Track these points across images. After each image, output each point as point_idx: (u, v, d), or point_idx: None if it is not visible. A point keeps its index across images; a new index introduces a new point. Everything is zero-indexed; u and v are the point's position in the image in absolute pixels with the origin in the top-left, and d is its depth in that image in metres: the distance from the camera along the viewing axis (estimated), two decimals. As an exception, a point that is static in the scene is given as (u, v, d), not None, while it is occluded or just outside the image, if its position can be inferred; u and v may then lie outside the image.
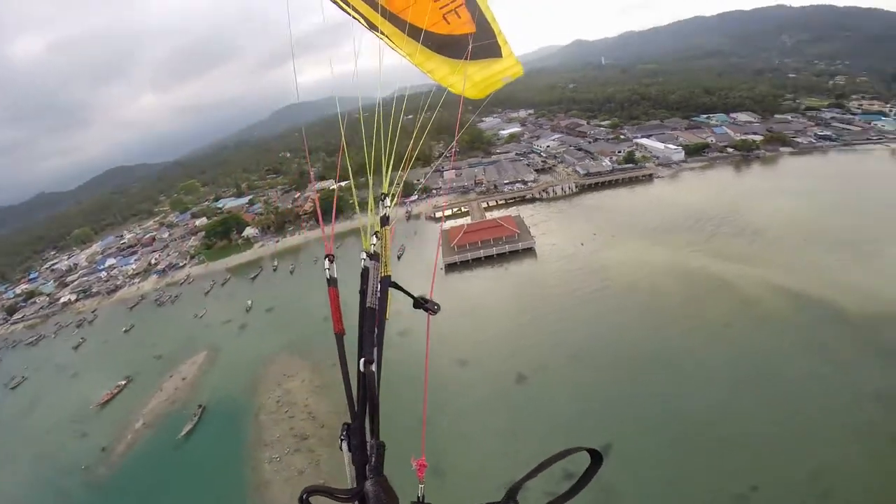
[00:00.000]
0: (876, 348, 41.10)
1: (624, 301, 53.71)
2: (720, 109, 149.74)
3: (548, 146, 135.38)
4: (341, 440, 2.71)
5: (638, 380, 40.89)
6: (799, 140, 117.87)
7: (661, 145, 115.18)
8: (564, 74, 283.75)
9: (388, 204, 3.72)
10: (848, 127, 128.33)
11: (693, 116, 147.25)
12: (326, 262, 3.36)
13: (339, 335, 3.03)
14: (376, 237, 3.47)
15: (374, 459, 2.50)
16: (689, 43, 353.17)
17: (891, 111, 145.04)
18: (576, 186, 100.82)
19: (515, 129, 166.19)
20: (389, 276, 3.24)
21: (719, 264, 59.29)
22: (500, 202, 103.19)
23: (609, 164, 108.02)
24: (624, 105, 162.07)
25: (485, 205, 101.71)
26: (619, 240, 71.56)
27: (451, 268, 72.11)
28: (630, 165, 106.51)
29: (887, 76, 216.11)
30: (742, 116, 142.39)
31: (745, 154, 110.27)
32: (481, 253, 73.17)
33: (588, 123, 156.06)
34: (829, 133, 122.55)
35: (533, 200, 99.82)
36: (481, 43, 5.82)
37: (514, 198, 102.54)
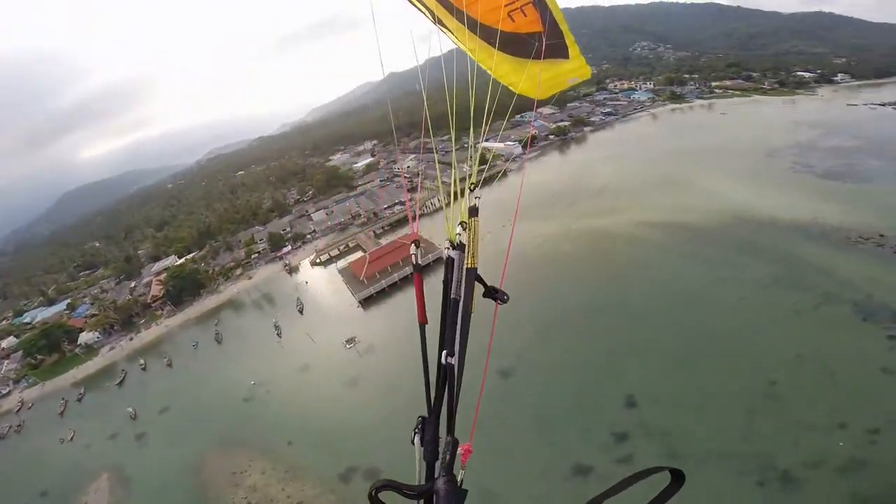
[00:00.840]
0: (734, 245, 55.44)
1: (549, 269, 58.48)
2: (527, 108, 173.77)
3: (408, 167, 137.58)
4: (415, 434, 2.65)
5: (598, 327, 45.18)
6: (593, 119, 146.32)
7: (500, 144, 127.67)
8: (382, 106, 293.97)
9: (478, 194, 3.71)
10: (620, 103, 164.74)
11: (512, 118, 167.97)
12: (413, 247, 3.46)
13: (422, 325, 3.02)
14: (462, 227, 3.38)
15: (447, 457, 2.40)
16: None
17: (637, 87, 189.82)
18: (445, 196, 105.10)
19: (368, 159, 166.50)
20: (476, 269, 3.08)
21: (596, 220, 70.90)
22: (386, 227, 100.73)
23: (467, 168, 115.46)
24: (455, 118, 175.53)
25: (372, 233, 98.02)
26: (509, 226, 76.48)
27: (367, 302, 66.96)
28: (484, 167, 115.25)
29: (620, 59, 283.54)
30: (546, 110, 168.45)
31: (563, 137, 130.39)
32: (395, 277, 69.35)
33: (429, 141, 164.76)
34: (609, 110, 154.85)
35: (415, 217, 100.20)
36: (549, 42, 5.71)
37: (400, 220, 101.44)
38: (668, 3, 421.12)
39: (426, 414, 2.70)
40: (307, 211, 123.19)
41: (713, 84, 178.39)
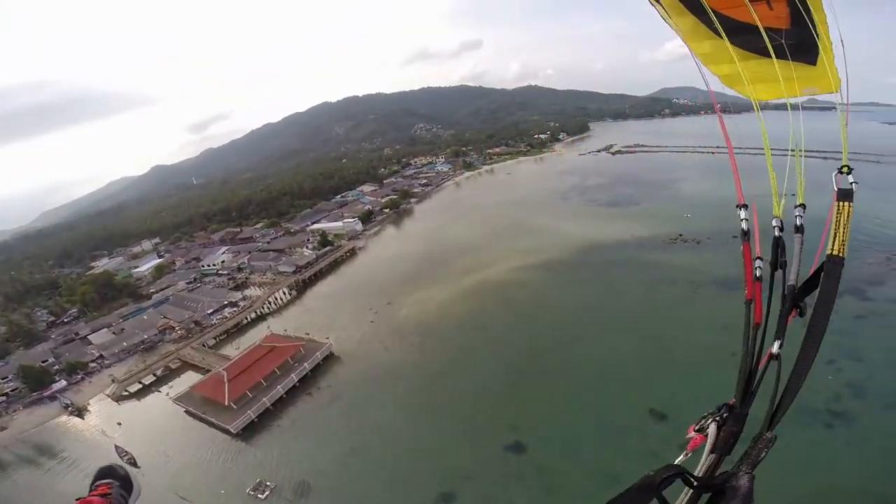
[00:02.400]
0: (598, 265, 70.76)
1: (467, 329, 59.54)
2: (345, 188, 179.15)
3: (223, 262, 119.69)
4: (713, 418, 2.39)
5: (548, 362, 48.09)
6: (415, 190, 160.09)
7: (338, 223, 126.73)
8: (157, 201, 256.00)
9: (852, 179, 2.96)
10: (429, 175, 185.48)
11: (330, 198, 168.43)
12: (742, 212, 3.17)
13: (749, 302, 2.66)
14: (802, 209, 3.06)
15: (764, 453, 2.07)
16: (268, 147, 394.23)
17: (434, 161, 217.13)
18: (293, 285, 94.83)
19: (155, 260, 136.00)
20: (843, 259, 2.52)
21: (479, 274, 76.44)
22: (221, 336, 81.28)
23: (310, 251, 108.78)
24: (266, 204, 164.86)
25: (203, 346, 77.66)
26: (396, 300, 74.90)
27: (249, 431, 50.56)
28: (330, 247, 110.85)
29: (408, 140, 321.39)
30: (366, 187, 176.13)
31: (396, 210, 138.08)
32: (280, 389, 55.73)
33: (241, 230, 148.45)
34: (425, 181, 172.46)
35: (262, 318, 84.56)
36: (791, 42, 4.65)
37: (237, 324, 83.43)
38: (433, 88, 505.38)
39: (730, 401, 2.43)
40: (78, 333, 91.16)
41: (488, 152, 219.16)
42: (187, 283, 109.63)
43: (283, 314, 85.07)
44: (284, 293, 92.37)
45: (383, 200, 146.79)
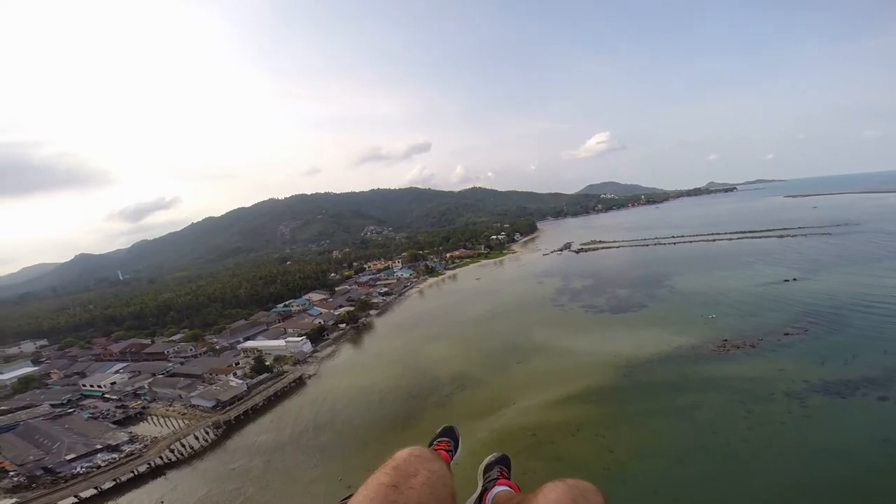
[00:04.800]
0: (653, 389, 53.11)
1: None
2: (289, 295, 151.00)
3: (113, 382, 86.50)
4: None
5: None
6: (375, 301, 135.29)
7: (280, 342, 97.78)
8: (76, 295, 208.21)
9: None
10: (389, 282, 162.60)
11: (270, 308, 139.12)
12: None
13: None
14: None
15: None
16: (207, 244, 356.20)
17: (395, 265, 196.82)
18: (213, 428, 63.98)
19: (25, 369, 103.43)
20: None
21: (509, 418, 52.38)
22: (84, 498, 49.20)
23: (239, 381, 78.27)
24: (190, 311, 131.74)
25: None
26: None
27: None
28: (266, 375, 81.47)
29: (358, 242, 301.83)
30: (314, 295, 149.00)
31: (354, 325, 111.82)
32: None
33: (153, 342, 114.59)
34: (386, 290, 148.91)
35: (157, 473, 53.86)
36: None
37: (115, 480, 51.71)
38: (383, 190, 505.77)
39: None
40: None
41: (447, 256, 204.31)
42: (53, 406, 76.52)
43: (192, 469, 54.35)
44: (198, 438, 61.30)
45: (337, 312, 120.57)
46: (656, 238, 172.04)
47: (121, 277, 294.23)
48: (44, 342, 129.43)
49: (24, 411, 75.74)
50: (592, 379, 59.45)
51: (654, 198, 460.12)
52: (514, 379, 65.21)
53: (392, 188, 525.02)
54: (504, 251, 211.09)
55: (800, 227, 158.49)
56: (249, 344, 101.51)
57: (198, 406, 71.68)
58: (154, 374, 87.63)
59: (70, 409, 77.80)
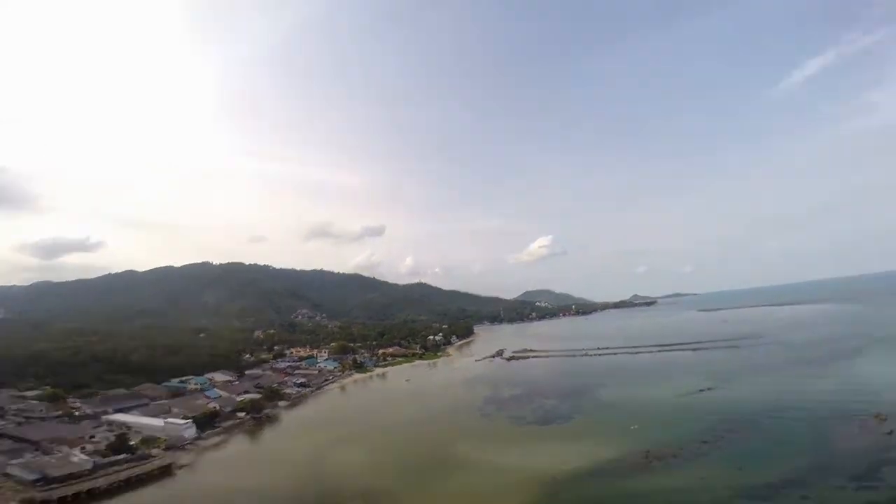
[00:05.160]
0: None
1: None
2: (191, 370, 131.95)
3: None
4: None
5: None
6: (287, 391, 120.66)
7: (158, 421, 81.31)
8: None
9: None
10: (310, 372, 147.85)
11: (163, 381, 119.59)
12: None
13: None
14: None
15: None
16: (119, 299, 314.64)
17: (316, 355, 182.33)
18: None
19: None
20: None
21: None
22: None
23: (84, 457, 61.73)
24: (59, 370, 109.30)
25: None
26: None
27: None
28: (125, 456, 65.27)
29: (286, 325, 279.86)
30: (219, 376, 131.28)
31: (256, 416, 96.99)
32: None
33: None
34: (303, 381, 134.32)
35: None
36: None
37: None
38: (326, 272, 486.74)
39: None
40: None
41: (380, 352, 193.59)
42: None
43: None
44: None
45: (239, 399, 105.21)
46: (584, 349, 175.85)
47: (1, 315, 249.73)
48: None
49: None
50: (515, 499, 53.12)
51: (584, 308, 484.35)
52: (432, 497, 56.39)
53: (336, 271, 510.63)
54: (439, 353, 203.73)
55: (711, 341, 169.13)
56: (119, 417, 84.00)
57: (13, 476, 54.98)
58: None
59: None
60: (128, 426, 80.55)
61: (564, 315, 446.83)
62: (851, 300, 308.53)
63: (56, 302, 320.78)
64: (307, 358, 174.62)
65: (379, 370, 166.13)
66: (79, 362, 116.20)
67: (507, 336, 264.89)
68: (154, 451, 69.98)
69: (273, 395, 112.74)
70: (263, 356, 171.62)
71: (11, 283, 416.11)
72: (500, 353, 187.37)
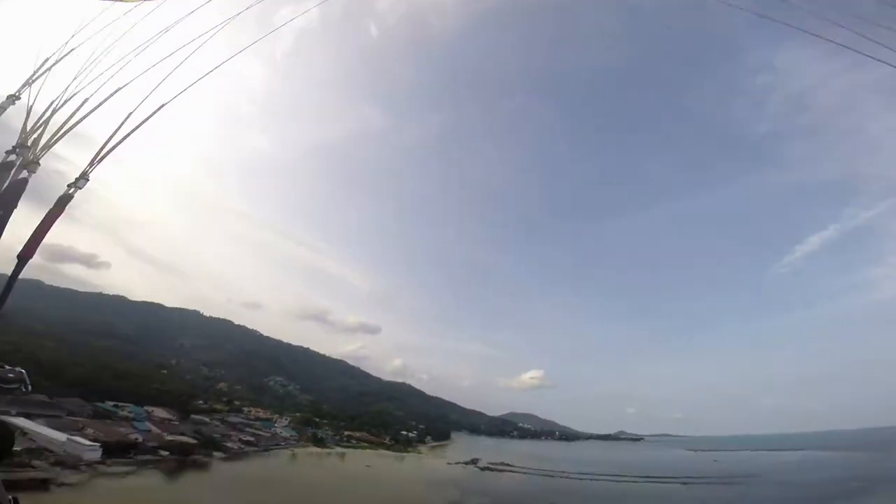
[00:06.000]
0: None
1: None
2: (130, 399, 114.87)
3: None
4: None
5: None
6: (229, 444, 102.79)
7: (61, 436, 65.99)
8: None
9: None
10: (261, 433, 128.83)
11: (97, 401, 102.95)
12: None
13: None
14: None
15: None
16: (102, 319, 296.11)
17: (278, 420, 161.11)
18: None
19: None
20: None
21: None
22: None
23: None
24: None
25: None
26: None
27: None
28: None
29: (255, 386, 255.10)
30: (160, 412, 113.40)
31: (181, 458, 80.00)
32: None
33: None
34: (250, 438, 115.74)
35: None
36: None
37: None
38: (311, 352, 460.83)
39: None
40: None
41: (346, 433, 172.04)
42: None
43: None
44: None
45: (170, 438, 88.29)
46: (563, 471, 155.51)
47: None
48: None
49: None
50: None
51: (566, 436, 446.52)
52: None
53: (323, 353, 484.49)
54: (409, 449, 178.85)
55: (702, 477, 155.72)
56: (20, 421, 68.43)
57: None
58: None
59: None
60: (24, 432, 65.38)
61: (546, 438, 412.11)
62: (854, 448, 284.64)
63: (39, 302, 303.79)
64: (264, 420, 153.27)
65: (340, 449, 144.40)
66: (16, 361, 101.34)
67: (485, 448, 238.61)
68: (37, 462, 55.08)
69: (210, 443, 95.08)
70: (217, 406, 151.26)
71: (3, 272, 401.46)
72: (474, 461, 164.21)
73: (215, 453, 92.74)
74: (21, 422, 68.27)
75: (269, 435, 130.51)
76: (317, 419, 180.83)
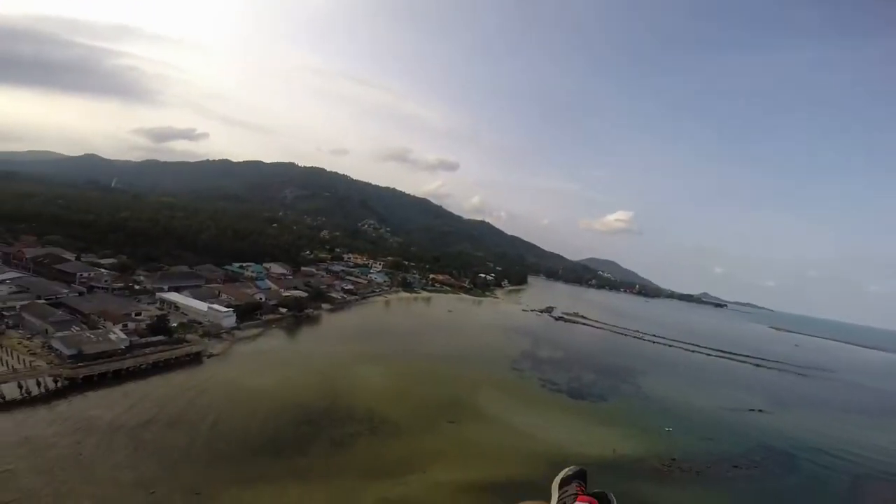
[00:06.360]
0: None
1: None
2: (252, 257, 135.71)
3: None
4: None
5: None
6: (334, 295, 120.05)
7: (202, 305, 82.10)
8: (58, 188, 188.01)
9: None
10: (359, 280, 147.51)
11: (226, 264, 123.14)
12: None
13: None
14: None
15: None
16: (212, 183, 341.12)
17: (370, 265, 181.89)
18: (57, 381, 48.64)
19: None
20: None
21: (385, 486, 39.14)
22: None
23: (122, 335, 62.07)
24: (138, 239, 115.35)
25: None
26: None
27: None
28: (161, 338, 65.48)
29: (351, 231, 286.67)
30: (276, 268, 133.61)
31: (297, 314, 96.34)
32: None
33: (79, 259, 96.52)
34: (350, 287, 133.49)
35: None
36: None
37: None
38: (397, 192, 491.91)
39: None
40: None
41: (430, 277, 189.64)
42: None
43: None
44: (21, 387, 46.08)
45: (286, 294, 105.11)
46: (637, 331, 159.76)
47: (113, 185, 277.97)
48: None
49: None
50: (519, 469, 47.11)
51: (647, 291, 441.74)
52: (437, 440, 52.13)
53: (406, 192, 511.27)
54: (487, 293, 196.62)
55: (778, 362, 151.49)
56: (171, 296, 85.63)
57: (56, 350, 55.65)
58: (39, 297, 71.04)
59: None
60: (176, 306, 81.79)
61: (626, 291, 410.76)
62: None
63: (160, 178, 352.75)
64: (361, 266, 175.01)
65: (425, 294, 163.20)
66: (154, 235, 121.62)
67: (560, 295, 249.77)
68: (189, 337, 69.74)
69: (319, 296, 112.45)
70: (322, 255, 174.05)
71: (126, 159, 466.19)
72: (549, 310, 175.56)
73: (323, 305, 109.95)
74: (172, 296, 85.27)
75: (365, 282, 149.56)
76: (405, 262, 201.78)
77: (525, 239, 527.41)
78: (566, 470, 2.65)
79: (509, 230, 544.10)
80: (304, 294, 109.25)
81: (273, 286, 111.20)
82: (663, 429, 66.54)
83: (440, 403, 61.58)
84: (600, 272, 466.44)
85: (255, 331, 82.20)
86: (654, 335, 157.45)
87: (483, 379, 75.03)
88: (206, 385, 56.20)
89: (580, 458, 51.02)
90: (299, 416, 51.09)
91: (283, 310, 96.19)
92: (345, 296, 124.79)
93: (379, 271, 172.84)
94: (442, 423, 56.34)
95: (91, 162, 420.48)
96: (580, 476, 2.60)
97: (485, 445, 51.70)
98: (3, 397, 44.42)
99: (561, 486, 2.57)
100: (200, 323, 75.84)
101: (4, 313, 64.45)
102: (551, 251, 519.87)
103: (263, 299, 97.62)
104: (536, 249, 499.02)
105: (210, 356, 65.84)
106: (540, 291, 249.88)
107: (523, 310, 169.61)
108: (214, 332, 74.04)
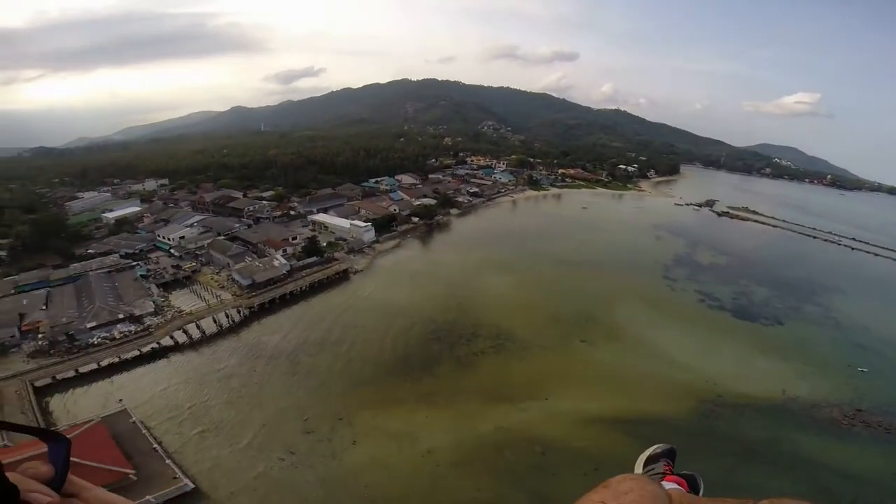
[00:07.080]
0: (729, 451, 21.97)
1: None
2: (384, 172, 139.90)
3: (182, 237, 78.85)
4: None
5: None
6: (460, 199, 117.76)
7: (345, 222, 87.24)
8: (219, 140, 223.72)
9: None
10: (484, 182, 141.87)
11: (363, 181, 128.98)
12: None
13: None
14: None
15: None
16: (339, 111, 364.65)
17: (493, 165, 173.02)
18: (240, 311, 56.62)
19: (132, 208, 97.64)
20: None
21: (511, 412, 37.23)
22: (82, 373, 43.39)
23: (283, 261, 69.10)
24: (288, 170, 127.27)
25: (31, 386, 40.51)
26: (354, 420, 35.93)
27: None
28: (314, 259, 71.45)
29: (471, 135, 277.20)
30: (406, 178, 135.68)
31: (428, 222, 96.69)
32: None
33: (245, 196, 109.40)
34: (476, 190, 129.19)
35: (159, 355, 46.89)
36: None
37: (118, 357, 45.17)
38: (512, 90, 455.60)
39: None
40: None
41: (560, 171, 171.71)
42: (122, 257, 72.70)
43: (187, 360, 47.40)
44: (215, 321, 54.50)
45: (416, 203, 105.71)
46: (831, 232, 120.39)
47: (262, 129, 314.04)
48: (164, 182, 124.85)
49: (96, 259, 68.77)
50: (658, 405, 40.11)
51: (843, 182, 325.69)
52: (566, 362, 47.15)
53: (522, 89, 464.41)
54: (629, 186, 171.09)
55: None
56: (319, 217, 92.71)
57: (236, 282, 64.04)
58: (219, 234, 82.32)
59: (133, 262, 69.08)
60: (325, 226, 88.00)
61: (814, 182, 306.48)
62: None
63: (297, 116, 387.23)
64: (484, 167, 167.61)
65: (555, 190, 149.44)
66: (300, 165, 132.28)
67: (723, 186, 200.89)
68: (336, 255, 74.52)
69: (446, 202, 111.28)
70: (447, 161, 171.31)
71: (265, 105, 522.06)
72: (709, 204, 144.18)
73: (451, 210, 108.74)
74: (321, 217, 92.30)
75: (490, 183, 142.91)
76: (531, 159, 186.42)
77: (672, 125, 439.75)
78: (653, 447, 2.51)
79: (653, 117, 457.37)
80: (433, 201, 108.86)
81: (405, 196, 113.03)
82: (854, 368, 50.39)
83: (572, 319, 55.35)
84: (776, 159, 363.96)
85: (391, 242, 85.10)
86: (854, 239, 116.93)
87: (625, 290, 64.97)
88: (350, 302, 59.59)
89: (739, 396, 42.19)
90: (428, 333, 51.05)
91: (416, 219, 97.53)
92: (470, 199, 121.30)
93: (503, 171, 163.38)
94: (574, 341, 50.75)
95: (239, 113, 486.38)
96: (669, 455, 2.46)
97: (620, 372, 44.88)
98: (204, 332, 51.43)
99: (646, 463, 2.44)
100: (345, 240, 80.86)
101: (198, 252, 74.06)
102: (708, 137, 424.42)
103: (397, 210, 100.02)
104: (689, 136, 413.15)
105: (356, 272, 69.89)
106: (697, 182, 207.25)
107: (676, 203, 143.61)
108: (357, 248, 78.39)
